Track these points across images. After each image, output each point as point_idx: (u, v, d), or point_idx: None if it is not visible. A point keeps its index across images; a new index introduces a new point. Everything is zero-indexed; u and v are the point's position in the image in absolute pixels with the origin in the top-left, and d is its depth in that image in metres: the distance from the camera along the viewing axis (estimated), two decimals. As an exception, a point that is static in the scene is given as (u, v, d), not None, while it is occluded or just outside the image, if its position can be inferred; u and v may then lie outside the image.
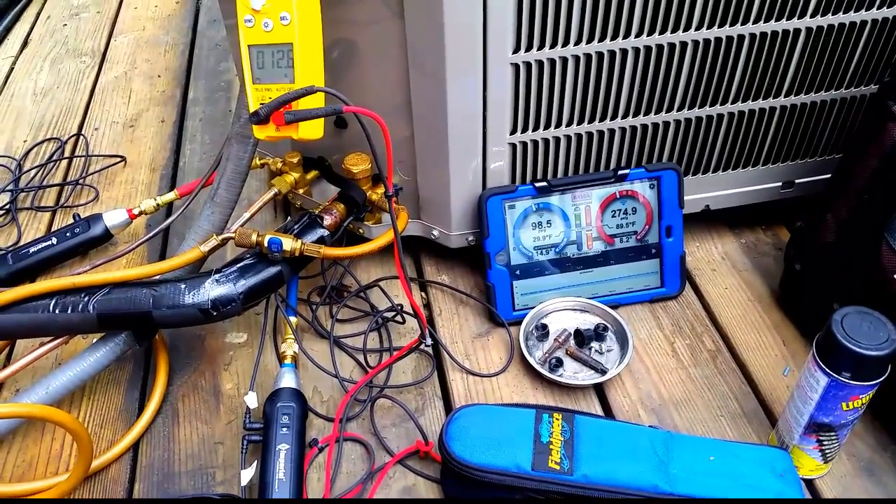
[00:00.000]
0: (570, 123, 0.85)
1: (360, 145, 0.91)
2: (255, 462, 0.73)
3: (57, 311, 0.76)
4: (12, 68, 1.47)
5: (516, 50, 0.77)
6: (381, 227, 0.95)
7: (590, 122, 0.85)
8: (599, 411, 0.83)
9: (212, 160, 0.93)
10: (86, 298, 0.77)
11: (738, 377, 0.85)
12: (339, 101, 0.64)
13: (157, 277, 0.80)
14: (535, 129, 0.85)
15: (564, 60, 0.79)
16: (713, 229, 1.03)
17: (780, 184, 0.97)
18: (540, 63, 0.79)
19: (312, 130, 0.68)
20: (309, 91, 0.65)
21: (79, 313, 0.76)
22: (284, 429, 0.73)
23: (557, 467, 0.68)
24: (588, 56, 0.79)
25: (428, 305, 0.95)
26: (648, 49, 0.80)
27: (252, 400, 0.76)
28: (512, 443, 0.70)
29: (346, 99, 0.64)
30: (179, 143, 1.25)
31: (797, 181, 0.97)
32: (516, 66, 0.79)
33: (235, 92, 1.35)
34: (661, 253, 0.92)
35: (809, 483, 0.75)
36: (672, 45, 0.80)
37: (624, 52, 0.80)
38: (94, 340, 0.82)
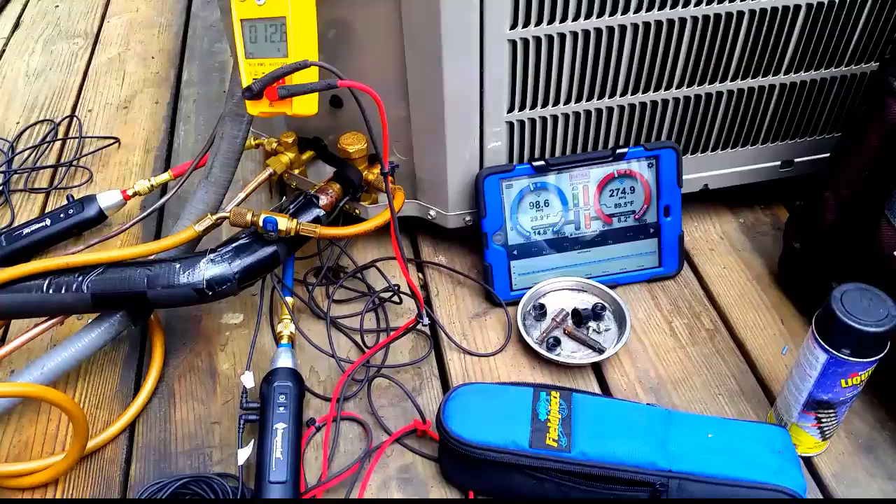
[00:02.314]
0: (568, 101, 0.84)
1: (355, 125, 0.90)
2: (253, 441, 0.73)
3: (51, 292, 0.76)
4: (4, 49, 1.45)
5: (514, 26, 0.76)
6: (378, 208, 0.94)
7: (588, 100, 0.85)
8: (597, 390, 0.82)
9: (206, 141, 0.92)
10: (80, 278, 0.76)
11: (737, 356, 0.85)
12: (333, 75, 0.63)
13: (152, 257, 0.80)
14: (533, 107, 0.84)
15: (563, 36, 0.78)
16: (711, 209, 1.02)
17: (779, 163, 0.96)
18: (538, 39, 0.78)
19: (307, 106, 0.67)
20: (303, 65, 0.64)
21: (73, 293, 0.76)
22: (281, 408, 0.73)
23: (555, 444, 0.68)
24: (587, 32, 0.78)
25: (425, 286, 0.95)
26: (647, 25, 0.79)
27: (249, 380, 0.76)
28: (509, 420, 0.70)
29: (340, 73, 0.63)
30: (173, 125, 1.24)
31: (796, 160, 0.97)
32: (514, 43, 0.78)
33: (229, 73, 1.34)
34: (660, 232, 0.92)
35: (808, 461, 0.75)
36: (671, 21, 0.79)
37: (623, 27, 0.79)
38: (89, 321, 0.81)
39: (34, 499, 0.71)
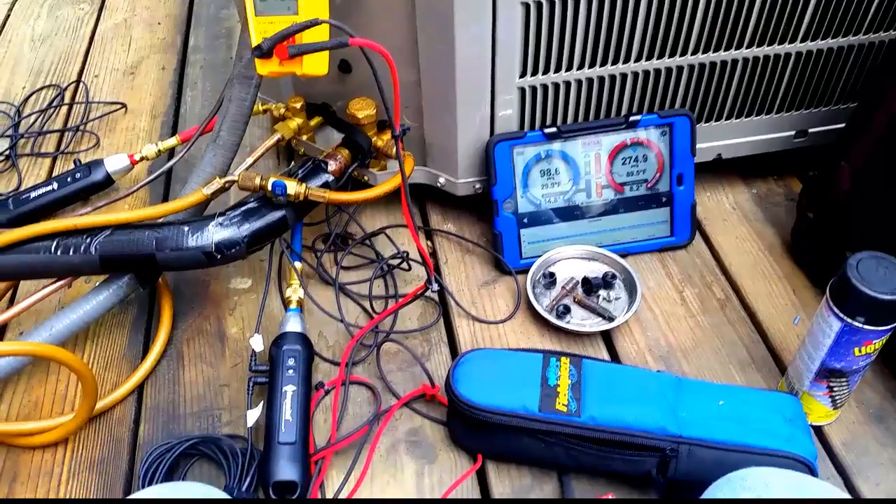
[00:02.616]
0: (581, 67, 0.83)
1: (364, 90, 0.89)
2: (262, 403, 0.73)
3: (59, 253, 0.75)
4: (9, 14, 1.44)
5: (528, -13, 0.75)
6: (387, 174, 0.94)
7: (601, 66, 0.83)
8: (607, 358, 0.82)
9: (213, 107, 0.91)
10: (88, 240, 0.76)
11: (748, 325, 0.85)
12: (344, 34, 0.62)
13: (160, 220, 0.79)
14: (546, 72, 0.83)
15: (577, -1, 0.77)
16: (724, 179, 1.01)
17: (793, 133, 0.95)
18: (551, 2, 0.77)
19: (317, 65, 0.66)
20: (313, 23, 0.63)
21: (81, 254, 0.75)
22: (290, 371, 0.73)
23: (565, 409, 0.68)
24: (602, -6, 0.77)
25: (434, 254, 0.94)
26: (664, -12, 0.78)
27: (258, 342, 0.76)
28: (519, 385, 0.70)
29: (351, 31, 0.62)
30: (180, 91, 1.23)
31: (811, 130, 0.95)
32: (526, 6, 0.76)
33: (236, 39, 1.32)
34: (672, 201, 0.91)
35: (818, 430, 0.75)
36: (688, -16, 0.78)
37: (639, -10, 0.78)
38: (97, 283, 0.81)
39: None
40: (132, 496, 0.51)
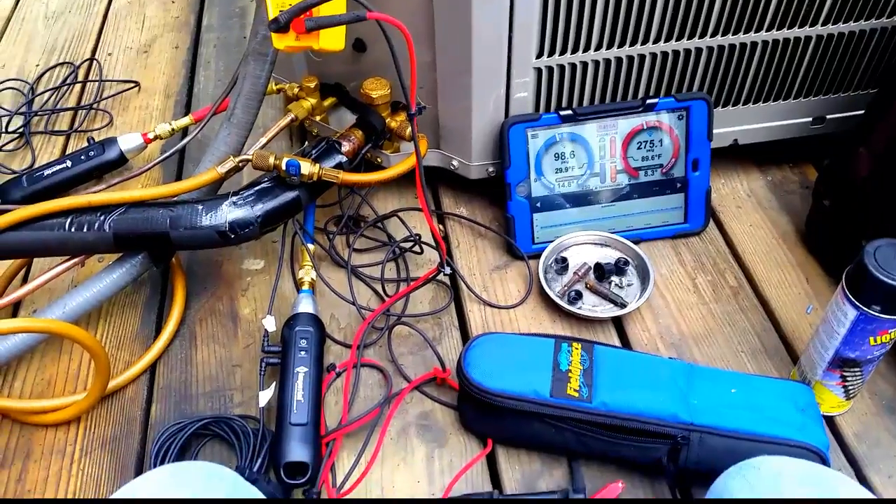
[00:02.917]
0: (598, 48, 0.82)
1: (378, 70, 0.89)
2: (274, 384, 0.73)
3: (73, 230, 0.76)
4: (23, -9, 1.43)
5: (546, -34, 0.74)
6: (400, 156, 0.93)
7: (619, 47, 0.82)
8: (618, 345, 0.82)
9: (226, 86, 0.91)
10: (102, 217, 0.76)
11: (760, 314, 0.84)
12: (361, 7, 0.61)
13: (174, 199, 0.79)
14: (563, 52, 0.82)
15: (596, -22, 0.76)
16: (739, 166, 1.00)
17: (810, 119, 0.94)
18: (570, -19, 0.76)
19: (334, 40, 0.66)
20: (331, -5, 0.62)
21: (95, 232, 0.75)
22: (303, 352, 0.73)
23: (576, 394, 0.68)
24: (621, -25, 0.76)
25: (446, 238, 0.94)
26: (684, -31, 0.77)
27: (270, 323, 0.76)
28: (530, 370, 0.70)
29: (368, 5, 0.61)
30: (193, 70, 1.22)
31: (828, 117, 0.94)
32: (545, -15, 0.76)
33: (250, 19, 1.31)
34: (687, 187, 0.90)
35: (830, 420, 0.74)
36: (709, -34, 0.77)
37: (658, -29, 0.76)
38: (111, 262, 0.81)
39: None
40: (114, 496, 0.51)
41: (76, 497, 0.70)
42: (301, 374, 0.72)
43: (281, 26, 0.62)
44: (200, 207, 0.76)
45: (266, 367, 0.74)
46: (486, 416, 0.71)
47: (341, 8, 0.64)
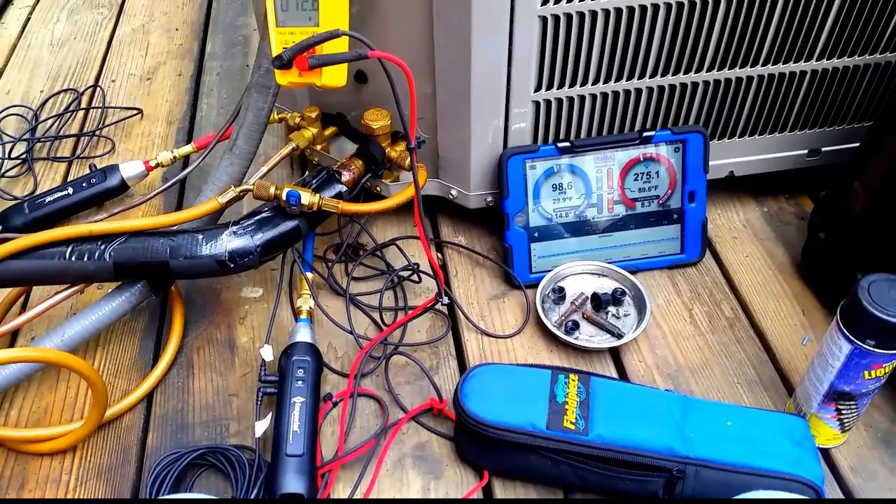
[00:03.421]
0: (596, 81, 0.83)
1: (379, 101, 0.90)
2: (270, 414, 0.73)
3: (73, 259, 0.76)
4: (29, 18, 1.45)
5: (545, 2, 0.75)
6: (400, 186, 0.94)
7: (616, 81, 0.83)
8: (615, 375, 0.82)
9: (229, 115, 0.91)
10: (102, 246, 0.76)
11: (756, 345, 0.84)
12: (363, 45, 0.62)
13: (174, 228, 0.80)
14: (560, 86, 0.83)
15: (594, 14, 0.77)
16: (735, 197, 1.01)
17: (806, 151, 0.95)
18: (568, 16, 0.77)
19: (336, 77, 0.67)
20: (333, 35, 0.63)
21: (95, 261, 0.76)
22: (300, 382, 0.73)
23: (573, 427, 0.68)
24: (618, 10, 0.77)
25: (444, 266, 0.95)
26: (680, 5, 0.78)
27: (268, 352, 0.76)
28: (527, 402, 0.70)
29: (371, 44, 0.62)
30: (196, 98, 1.23)
31: (824, 149, 0.95)
32: (544, 20, 0.77)
33: (253, 47, 1.33)
34: (683, 218, 0.91)
35: (825, 452, 0.74)
36: (704, 2, 0.78)
37: (655, 6, 0.78)
38: (110, 290, 0.82)
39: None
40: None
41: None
42: (298, 405, 0.72)
43: (284, 63, 0.63)
44: (200, 237, 0.77)
45: (263, 397, 0.74)
46: (482, 448, 0.71)
47: (344, 46, 0.66)
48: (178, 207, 1.03)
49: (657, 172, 0.89)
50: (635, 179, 0.89)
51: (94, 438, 0.77)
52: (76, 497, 0.72)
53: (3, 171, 1.10)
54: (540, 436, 0.68)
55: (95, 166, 1.02)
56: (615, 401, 0.71)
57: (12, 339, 0.87)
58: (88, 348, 0.85)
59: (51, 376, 0.83)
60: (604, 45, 0.80)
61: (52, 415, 0.79)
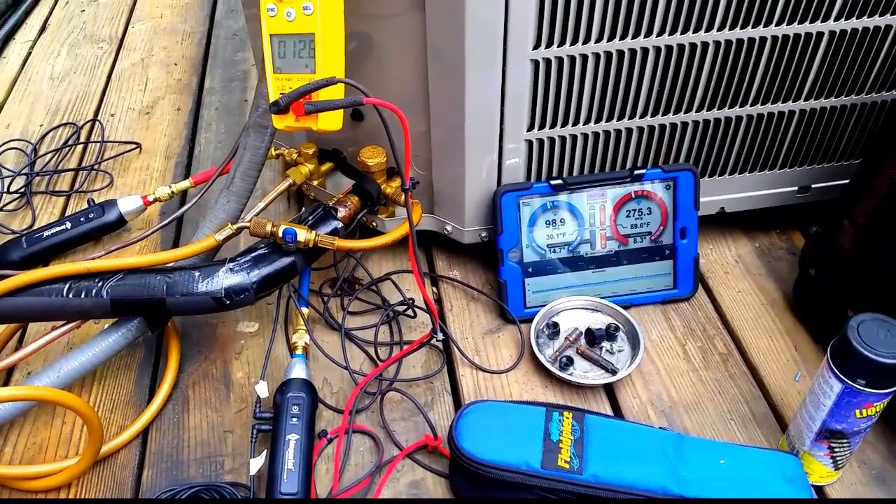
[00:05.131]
0: (587, 122, 0.85)
1: (376, 138, 0.91)
2: (265, 451, 0.73)
3: (70, 296, 0.77)
4: (30, 52, 1.47)
5: (537, 46, 0.77)
6: (395, 221, 0.95)
7: (608, 121, 0.85)
8: (609, 412, 0.82)
9: (227, 149, 0.93)
10: (99, 283, 0.77)
11: (749, 381, 0.85)
12: (359, 92, 0.63)
13: (171, 265, 0.81)
14: (553, 126, 0.84)
15: (585, 58, 0.79)
16: (727, 232, 1.02)
17: (796, 188, 0.96)
18: (560, 60, 0.78)
19: (332, 122, 0.68)
20: (330, 82, 0.65)
21: (92, 298, 0.76)
22: (294, 419, 0.74)
23: (567, 466, 0.68)
24: (609, 54, 0.79)
25: (439, 301, 0.95)
26: (669, 48, 0.80)
27: (263, 389, 0.77)
28: (522, 440, 0.70)
29: (366, 91, 0.63)
30: (195, 132, 1.25)
31: (813, 186, 0.97)
32: (536, 63, 0.78)
33: (252, 82, 1.35)
34: (675, 254, 0.92)
35: (819, 490, 0.75)
36: (693, 46, 0.80)
37: (645, 50, 0.79)
38: (106, 326, 0.82)
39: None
40: None
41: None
42: (292, 442, 0.72)
43: (281, 109, 0.65)
44: (197, 274, 0.78)
45: (257, 434, 0.75)
46: (477, 486, 0.71)
47: (339, 93, 0.67)
48: (176, 242, 1.04)
49: (649, 209, 0.90)
50: (627, 216, 0.90)
51: (88, 475, 0.77)
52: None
53: (2, 204, 1.11)
54: (534, 475, 0.68)
55: (94, 201, 1.03)
56: (610, 439, 0.71)
57: (8, 374, 0.87)
58: (84, 383, 0.86)
59: (46, 412, 0.83)
60: (595, 87, 0.82)
61: (48, 451, 0.79)
